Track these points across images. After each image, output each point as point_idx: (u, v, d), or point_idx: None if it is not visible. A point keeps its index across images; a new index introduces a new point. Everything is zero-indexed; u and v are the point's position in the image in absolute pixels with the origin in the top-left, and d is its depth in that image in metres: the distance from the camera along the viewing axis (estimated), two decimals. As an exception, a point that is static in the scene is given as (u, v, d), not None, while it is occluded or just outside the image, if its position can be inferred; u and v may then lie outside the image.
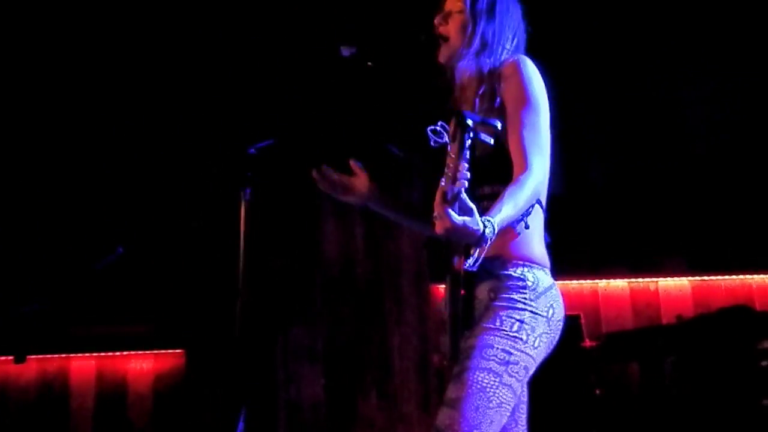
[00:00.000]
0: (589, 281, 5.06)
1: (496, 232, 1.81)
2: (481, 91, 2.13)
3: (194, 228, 4.06)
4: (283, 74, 4.24)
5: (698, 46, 5.03)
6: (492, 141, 1.87)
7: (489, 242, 1.81)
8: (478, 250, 1.83)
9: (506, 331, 1.96)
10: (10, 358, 4.72)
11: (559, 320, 2.07)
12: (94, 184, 4.76)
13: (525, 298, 2.00)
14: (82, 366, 5.02)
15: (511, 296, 2.00)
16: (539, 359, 2.03)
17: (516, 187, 1.94)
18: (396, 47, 2.38)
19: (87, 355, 5.00)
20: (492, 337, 1.95)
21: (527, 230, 2.04)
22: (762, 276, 5.07)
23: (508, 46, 2.20)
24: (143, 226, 4.65)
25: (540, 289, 2.04)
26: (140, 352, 5.02)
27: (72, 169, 4.77)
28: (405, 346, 4.63)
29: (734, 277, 5.07)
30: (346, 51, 2.35)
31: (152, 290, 4.84)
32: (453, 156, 1.77)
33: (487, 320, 1.98)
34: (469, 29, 2.20)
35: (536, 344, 1.99)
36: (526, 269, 2.04)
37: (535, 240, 2.09)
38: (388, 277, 4.68)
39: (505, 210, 1.86)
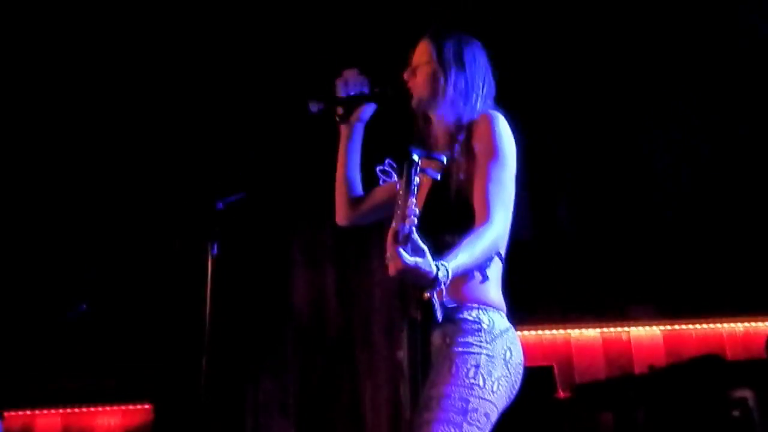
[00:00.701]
0: (561, 331, 5.05)
1: (449, 276, 1.81)
2: (460, 139, 2.14)
3: (163, 280, 4.02)
4: (250, 129, 4.26)
5: (665, 94, 5.13)
6: (438, 176, 1.87)
7: (442, 286, 1.80)
8: (435, 294, 1.82)
9: (462, 378, 1.93)
10: (-26, 414, 4.59)
11: (518, 363, 2.04)
12: (59, 238, 4.71)
13: (480, 341, 1.98)
14: (48, 423, 4.90)
15: (467, 340, 1.98)
16: (501, 404, 1.99)
17: (475, 237, 1.94)
18: (364, 100, 2.39)
19: (53, 410, 4.89)
20: (448, 387, 1.92)
21: (485, 280, 2.05)
22: (732, 324, 5.10)
23: (480, 93, 2.23)
24: (112, 279, 4.60)
25: (496, 332, 2.01)
26: (107, 407, 4.92)
27: (36, 224, 4.73)
28: (376, 397, 4.58)
29: (705, 326, 5.09)
30: (314, 107, 2.37)
31: (120, 345, 4.77)
32: (401, 193, 1.78)
33: (443, 367, 1.96)
34: (441, 81, 2.22)
35: (495, 388, 1.96)
36: (481, 312, 2.03)
37: (491, 285, 2.08)
38: (359, 326, 4.65)
39: (461, 257, 1.87)
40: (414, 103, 2.29)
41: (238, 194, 2.53)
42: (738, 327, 5.08)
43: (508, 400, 2.02)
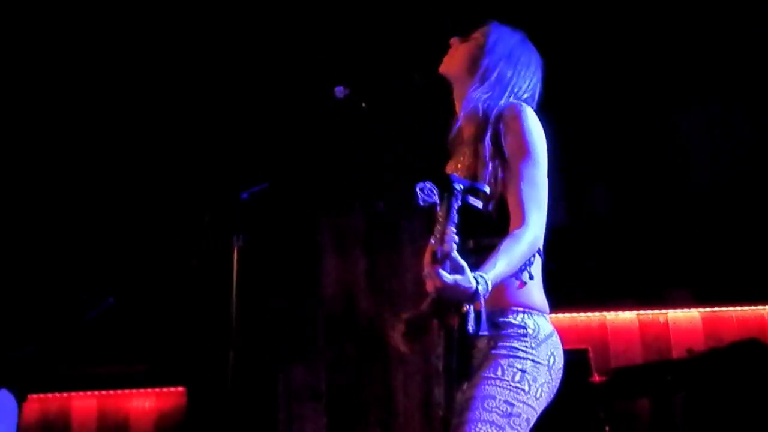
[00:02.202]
0: (597, 314, 4.96)
1: (489, 288, 1.78)
2: (487, 136, 2.07)
3: (194, 267, 4.02)
4: (276, 117, 4.23)
5: (703, 76, 4.98)
6: (480, 205, 1.84)
7: (482, 299, 1.77)
8: (472, 308, 1.80)
9: (508, 381, 1.90)
10: (11, 397, 4.66)
11: (559, 368, 2.01)
12: (92, 227, 4.74)
13: (526, 347, 1.94)
14: (84, 405, 4.97)
15: (512, 344, 1.94)
16: (540, 410, 1.96)
17: (511, 241, 1.90)
18: (390, 88, 2.34)
19: (88, 393, 4.95)
20: (494, 388, 1.89)
21: (530, 280, 2.00)
22: (774, 306, 4.97)
23: (515, 93, 2.16)
24: (144, 266, 4.62)
25: (541, 337, 1.98)
26: (142, 390, 4.97)
27: (70, 212, 4.75)
28: (409, 385, 4.56)
29: (746, 308, 4.96)
30: (340, 93, 2.33)
31: (154, 329, 4.80)
32: (441, 219, 1.76)
33: (488, 369, 1.92)
34: (483, 61, 2.17)
35: (538, 395, 1.93)
36: (526, 316, 1.98)
37: (534, 287, 2.03)
38: (390, 313, 4.61)
39: (500, 265, 1.83)
40: (442, 67, 2.25)
41: (262, 184, 2.49)
42: (780, 309, 4.96)
43: (546, 403, 1.98)
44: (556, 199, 2.09)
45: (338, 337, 4.66)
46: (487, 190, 1.85)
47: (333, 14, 4.42)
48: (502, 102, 2.12)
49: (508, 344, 1.94)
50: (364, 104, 2.31)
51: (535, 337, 1.96)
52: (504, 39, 2.20)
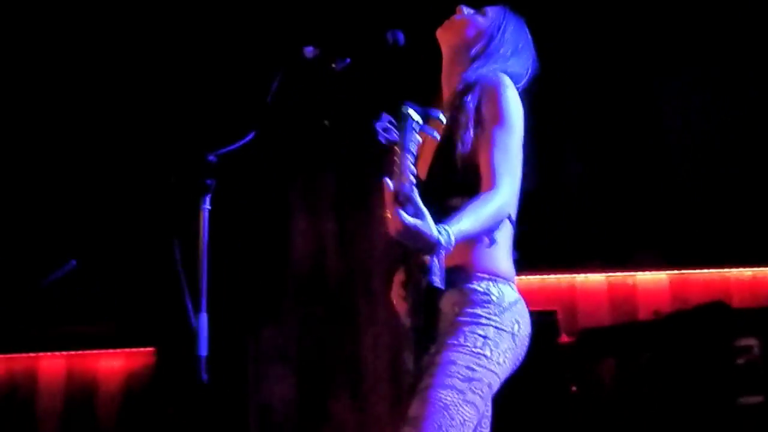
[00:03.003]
0: (566, 276, 4.99)
1: (452, 242, 1.76)
2: (467, 100, 2.08)
3: (162, 224, 3.97)
4: (245, 77, 4.15)
5: (677, 41, 4.97)
6: (436, 133, 1.82)
7: (444, 252, 1.76)
8: (436, 261, 1.79)
9: (470, 347, 1.92)
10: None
11: (525, 336, 2.04)
12: (59, 186, 4.65)
13: (489, 313, 1.96)
14: (51, 365, 4.93)
15: (475, 311, 1.96)
16: (504, 376, 2.00)
17: (480, 202, 1.90)
18: (362, 48, 2.29)
19: (56, 353, 4.91)
20: (455, 354, 1.91)
21: (493, 244, 1.99)
22: (740, 269, 5.02)
23: (503, 65, 2.17)
24: (110, 227, 4.55)
25: (505, 304, 1.99)
26: (110, 350, 4.93)
27: (38, 170, 4.66)
28: (377, 346, 4.58)
29: (712, 270, 5.02)
30: (310, 53, 2.27)
31: (122, 289, 4.75)
32: (398, 150, 1.74)
33: (451, 336, 1.94)
34: (492, 41, 2.19)
35: (501, 360, 1.95)
36: (491, 283, 2.00)
37: (501, 254, 2.04)
38: (360, 275, 4.61)
39: (464, 222, 1.82)
40: (443, 30, 2.25)
41: (230, 145, 2.43)
42: (746, 273, 5.01)
43: (511, 370, 2.01)
44: (528, 162, 2.09)
45: (307, 299, 4.65)
46: (442, 117, 1.86)
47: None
48: (487, 69, 2.13)
49: (471, 311, 1.96)
50: (333, 65, 2.26)
51: (498, 305, 1.97)
52: (517, 30, 2.23)
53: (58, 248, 4.44)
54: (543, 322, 4.44)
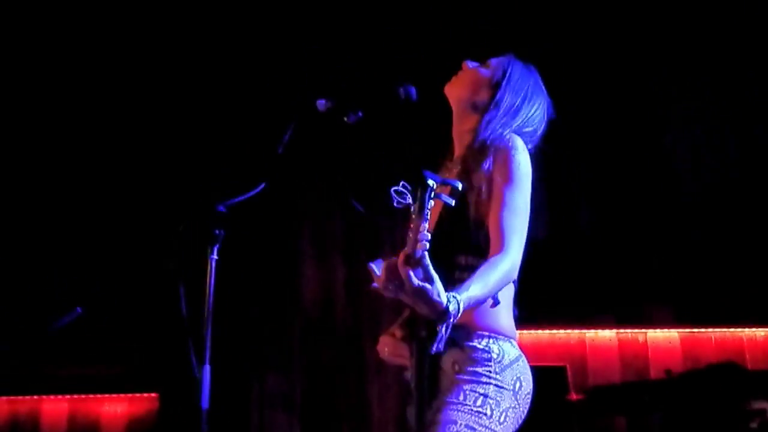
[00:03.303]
0: (576, 331, 4.93)
1: (460, 310, 1.78)
2: (484, 162, 2.08)
3: (169, 272, 3.95)
4: (257, 125, 4.19)
5: (688, 91, 4.98)
6: (453, 202, 1.84)
7: (453, 319, 1.78)
8: (443, 328, 1.79)
9: (470, 406, 1.90)
10: (-21, 398, 4.59)
11: (527, 393, 2.01)
12: (68, 231, 4.67)
13: (489, 371, 1.95)
14: (55, 408, 4.88)
15: (476, 369, 1.95)
16: None
17: (489, 267, 1.90)
18: (374, 103, 2.31)
19: (59, 396, 4.87)
20: (455, 413, 1.89)
21: (497, 304, 1.99)
22: (753, 329, 4.95)
23: (516, 121, 2.16)
24: (119, 270, 4.55)
25: (506, 362, 1.98)
26: (114, 395, 4.89)
27: (48, 214, 4.69)
28: (384, 395, 4.51)
29: (724, 330, 4.95)
30: (322, 105, 2.29)
31: (127, 334, 4.73)
32: (413, 216, 1.76)
33: (451, 394, 1.93)
34: (500, 93, 2.18)
35: (501, 419, 1.92)
36: (491, 341, 1.99)
37: (502, 312, 2.03)
38: (368, 321, 4.57)
39: (474, 289, 1.84)
40: (449, 86, 2.25)
41: (240, 196, 2.44)
42: (759, 333, 4.94)
43: (513, 430, 1.97)
44: (538, 211, 2.10)
45: (315, 345, 4.60)
46: (459, 186, 1.84)
47: (319, 25, 4.40)
48: (500, 131, 2.12)
49: (471, 369, 1.95)
50: (346, 118, 2.27)
51: (499, 362, 1.96)
52: (524, 77, 2.22)
53: (64, 292, 4.43)
54: (552, 377, 4.39)
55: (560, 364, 4.59)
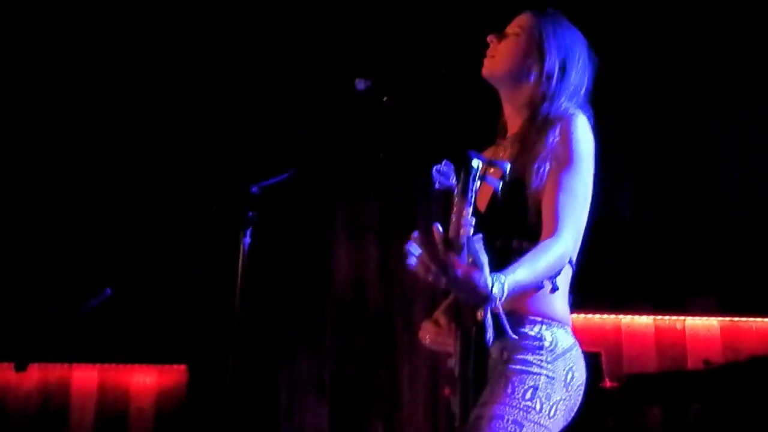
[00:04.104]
0: (612, 316, 4.83)
1: (506, 293, 1.67)
2: (548, 136, 1.95)
3: (203, 243, 3.94)
4: (291, 105, 4.12)
5: (737, 78, 4.81)
6: (500, 185, 1.74)
7: (497, 303, 1.67)
8: (487, 313, 1.69)
9: (518, 399, 1.80)
10: (11, 364, 4.61)
11: (579, 385, 1.91)
12: (103, 208, 4.67)
13: (541, 361, 1.85)
14: (84, 376, 4.91)
15: (526, 357, 1.85)
16: (557, 428, 1.86)
17: (539, 250, 1.79)
18: (415, 81, 2.21)
19: (90, 365, 4.89)
20: (502, 407, 1.79)
21: (555, 290, 1.87)
22: (796, 320, 4.82)
23: (569, 90, 2.03)
24: (151, 244, 4.54)
25: (558, 351, 1.87)
26: (144, 365, 4.90)
27: (86, 194, 4.69)
28: (415, 378, 4.47)
29: (766, 319, 4.81)
30: (361, 84, 2.19)
31: (158, 304, 4.72)
32: (457, 199, 1.66)
33: (499, 386, 1.82)
34: (531, 58, 2.04)
35: (552, 413, 1.82)
36: (544, 327, 1.88)
37: (558, 297, 1.92)
38: (400, 304, 4.51)
39: (521, 272, 1.72)
40: (486, 71, 2.09)
41: (275, 177, 2.36)
42: (803, 323, 4.81)
43: (565, 422, 1.88)
44: None
45: (346, 327, 4.56)
46: (507, 168, 1.74)
47: (358, 5, 4.29)
48: (562, 103, 2.00)
49: (521, 357, 1.84)
50: (385, 98, 2.17)
51: (551, 351, 1.86)
52: (551, 30, 2.06)
53: (98, 266, 4.43)
54: (586, 363, 4.30)
55: (595, 350, 4.50)
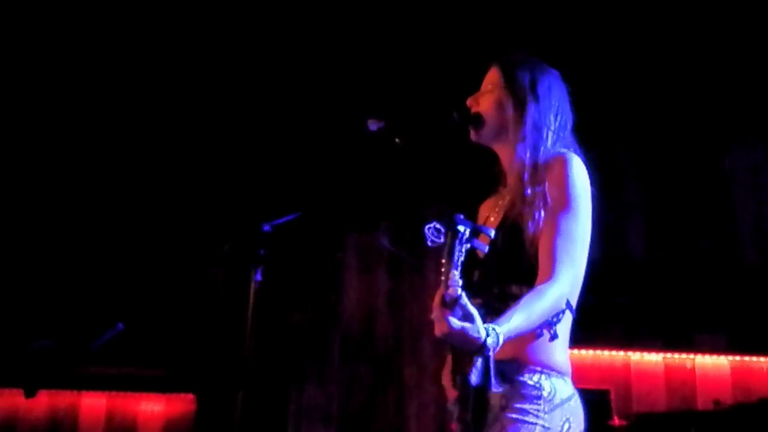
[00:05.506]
0: (621, 353, 4.80)
1: (500, 342, 1.68)
2: (536, 182, 1.96)
3: (212, 277, 3.96)
4: (305, 140, 4.16)
5: (749, 116, 4.82)
6: (486, 249, 1.76)
7: (491, 352, 1.68)
8: (481, 361, 1.72)
9: None
10: (21, 391, 4.62)
11: None
12: (116, 239, 4.72)
13: (538, 410, 1.84)
14: (93, 404, 4.92)
15: (523, 406, 1.84)
16: None
17: (534, 296, 1.80)
18: (427, 124, 2.23)
19: (98, 393, 4.91)
20: None
21: (554, 339, 1.87)
22: (808, 360, 4.77)
23: (553, 128, 2.04)
24: (161, 274, 4.57)
25: (557, 401, 1.87)
26: (151, 393, 4.91)
27: (94, 218, 4.74)
28: (423, 414, 4.45)
29: (777, 359, 4.77)
30: (373, 125, 2.22)
31: (167, 335, 4.74)
32: (444, 262, 1.68)
33: None
34: (509, 111, 2.04)
35: None
36: (543, 377, 1.88)
37: (558, 346, 1.91)
38: (409, 339, 4.51)
39: (515, 319, 1.73)
40: (473, 137, 2.10)
41: (288, 215, 2.39)
42: (814, 364, 4.76)
43: None
44: (592, 231, 1.98)
45: (354, 359, 4.56)
46: (492, 233, 1.77)
47: (370, 48, 4.35)
48: (551, 147, 2.01)
49: (518, 406, 1.84)
50: (397, 140, 2.19)
51: (549, 401, 1.85)
52: (519, 76, 2.06)
53: (110, 300, 4.47)
54: (594, 401, 4.26)
55: (603, 387, 4.48)
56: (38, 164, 4.73)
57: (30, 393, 4.54)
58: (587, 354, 4.72)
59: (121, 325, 2.39)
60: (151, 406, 4.91)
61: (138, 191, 4.75)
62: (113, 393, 4.91)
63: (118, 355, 4.75)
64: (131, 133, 4.74)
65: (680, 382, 4.77)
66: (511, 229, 1.94)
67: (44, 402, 4.86)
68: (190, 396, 4.83)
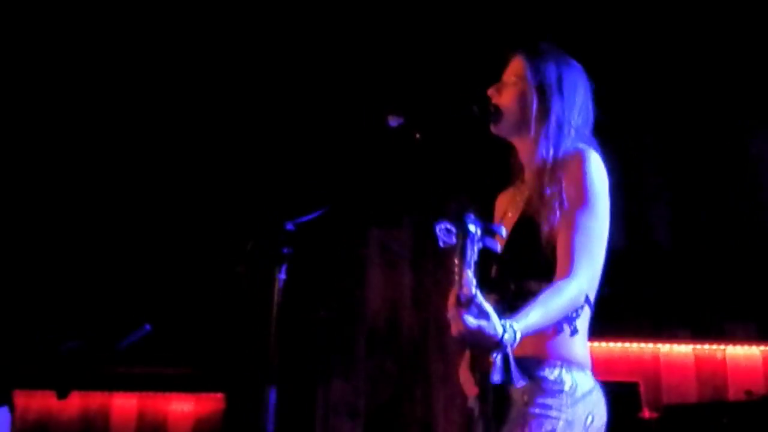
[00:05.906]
0: (650, 345, 4.75)
1: (517, 338, 1.69)
2: (554, 178, 1.96)
3: (237, 276, 3.98)
4: (323, 145, 4.18)
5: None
6: (498, 247, 1.75)
7: (509, 348, 1.69)
8: (499, 357, 1.71)
9: None
10: (53, 392, 4.69)
11: (600, 426, 1.90)
12: (141, 238, 4.77)
13: (560, 405, 1.85)
14: (124, 404, 4.98)
15: (545, 401, 1.85)
16: None
17: (552, 292, 1.81)
18: (447, 118, 2.22)
19: (129, 393, 4.96)
20: None
21: (575, 334, 1.90)
22: (842, 349, 4.69)
23: (574, 124, 2.02)
24: (191, 275, 4.62)
25: (578, 395, 1.88)
26: (181, 393, 4.96)
27: (122, 218, 4.80)
28: (450, 407, 4.45)
29: (811, 347, 4.70)
30: (393, 121, 2.22)
31: (194, 334, 4.78)
32: (456, 262, 1.68)
33: (516, 428, 1.84)
34: (534, 104, 2.02)
35: None
36: (564, 371, 1.89)
37: (578, 340, 1.93)
38: (434, 332, 4.51)
39: (533, 316, 1.74)
40: (494, 129, 2.09)
41: (311, 213, 2.39)
42: None
43: None
44: (616, 220, 1.98)
45: (380, 354, 4.57)
46: (504, 232, 1.75)
47: (391, 42, 4.35)
48: (570, 142, 1.99)
49: (541, 401, 1.85)
50: (418, 135, 2.19)
51: (571, 395, 1.86)
52: (545, 69, 2.04)
53: (137, 300, 4.52)
54: (624, 394, 4.23)
55: (632, 379, 4.44)
56: (65, 166, 4.79)
57: (62, 394, 4.61)
58: (615, 346, 4.68)
59: (148, 326, 2.41)
60: (181, 406, 4.96)
61: (163, 192, 4.79)
62: (143, 393, 4.97)
63: (148, 356, 4.82)
64: (158, 134, 4.78)
65: (711, 372, 4.72)
66: (529, 226, 1.96)
67: (76, 403, 4.93)
68: (219, 395, 4.88)
